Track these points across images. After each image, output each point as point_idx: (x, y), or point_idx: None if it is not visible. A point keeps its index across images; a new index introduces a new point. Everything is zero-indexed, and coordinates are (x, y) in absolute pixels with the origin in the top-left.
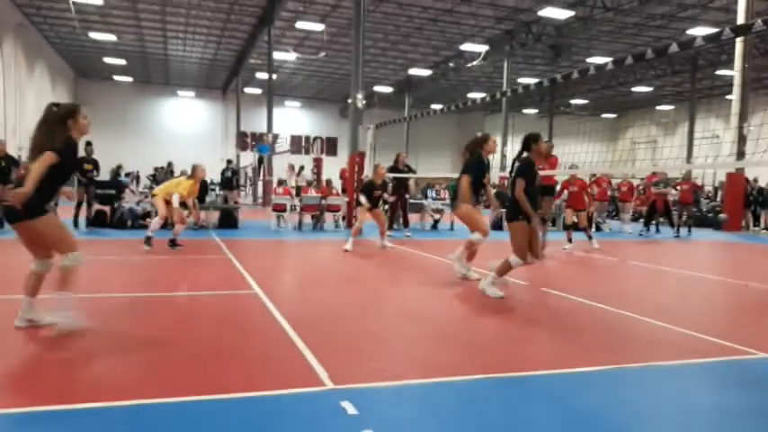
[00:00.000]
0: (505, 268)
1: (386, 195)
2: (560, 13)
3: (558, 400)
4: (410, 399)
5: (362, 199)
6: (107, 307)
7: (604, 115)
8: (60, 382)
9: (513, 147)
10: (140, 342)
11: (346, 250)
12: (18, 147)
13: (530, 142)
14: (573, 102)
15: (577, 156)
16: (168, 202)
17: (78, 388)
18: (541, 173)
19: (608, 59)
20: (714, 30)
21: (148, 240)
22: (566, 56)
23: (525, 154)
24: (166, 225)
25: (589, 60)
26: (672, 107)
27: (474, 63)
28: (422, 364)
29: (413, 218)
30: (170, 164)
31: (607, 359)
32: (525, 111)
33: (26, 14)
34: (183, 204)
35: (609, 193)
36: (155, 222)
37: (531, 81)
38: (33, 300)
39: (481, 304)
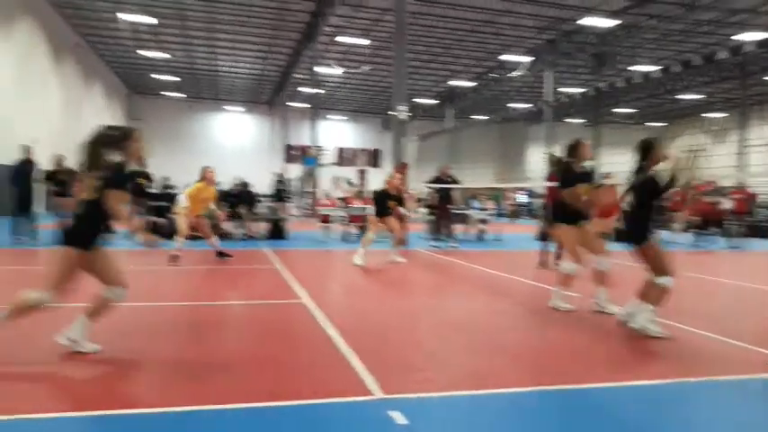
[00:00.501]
0: (658, 295)
1: (402, 209)
2: (603, 22)
3: (611, 413)
4: (460, 409)
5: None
6: (159, 315)
7: (652, 124)
8: (115, 388)
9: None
10: (189, 350)
11: (356, 264)
12: (76, 161)
13: (649, 149)
14: (618, 111)
15: (624, 165)
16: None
17: (124, 394)
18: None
19: (654, 67)
20: (766, 35)
21: (174, 259)
22: (610, 64)
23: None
24: (222, 237)
25: (634, 69)
26: (722, 115)
27: (516, 73)
28: (471, 374)
29: (457, 228)
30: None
31: (660, 373)
32: (569, 120)
33: (83, 35)
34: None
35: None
36: (177, 242)
37: (575, 90)
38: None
39: (530, 315)
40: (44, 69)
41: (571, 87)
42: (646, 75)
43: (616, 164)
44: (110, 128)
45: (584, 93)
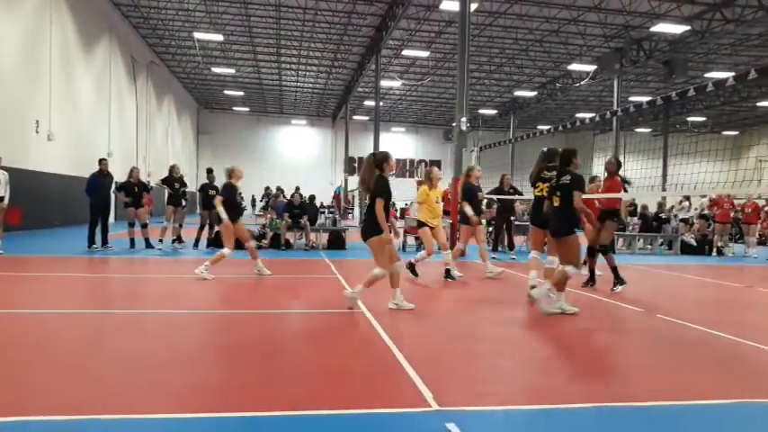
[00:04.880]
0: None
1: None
2: (674, 28)
3: None
4: (517, 424)
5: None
6: (223, 322)
7: (725, 132)
8: (180, 393)
9: (626, 167)
10: (248, 356)
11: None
12: (147, 173)
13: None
14: (690, 119)
15: (695, 176)
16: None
17: (187, 399)
18: (604, 195)
19: (729, 74)
20: None
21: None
22: (681, 72)
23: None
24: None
25: (707, 75)
26: None
27: (582, 83)
28: (529, 389)
29: (518, 240)
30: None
31: (727, 392)
32: (638, 129)
33: (157, 53)
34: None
35: (732, 214)
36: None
37: (644, 99)
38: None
39: (590, 330)
40: (120, 86)
41: (639, 96)
42: (718, 82)
43: (685, 174)
44: (372, 154)
45: (651, 101)
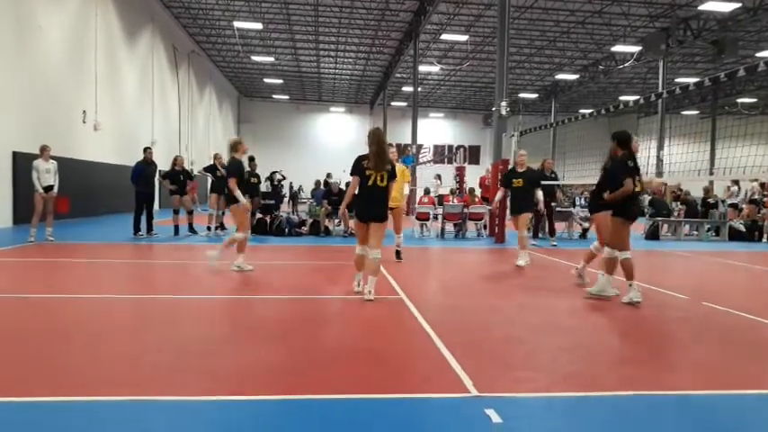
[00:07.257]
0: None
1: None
2: (724, 6)
3: (716, 423)
4: (557, 411)
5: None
6: (264, 307)
7: None
8: (228, 376)
9: (671, 150)
10: (290, 340)
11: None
12: (190, 161)
13: None
14: (740, 100)
15: (744, 159)
16: None
17: (226, 381)
18: None
19: None
20: None
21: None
22: (731, 51)
23: None
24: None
25: (759, 55)
26: None
27: (626, 64)
28: (569, 376)
29: (559, 226)
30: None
31: None
32: (684, 112)
33: (198, 42)
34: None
35: None
36: None
37: (691, 80)
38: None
39: (631, 317)
40: (163, 76)
41: (686, 77)
42: None
43: (733, 158)
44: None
45: (699, 83)
